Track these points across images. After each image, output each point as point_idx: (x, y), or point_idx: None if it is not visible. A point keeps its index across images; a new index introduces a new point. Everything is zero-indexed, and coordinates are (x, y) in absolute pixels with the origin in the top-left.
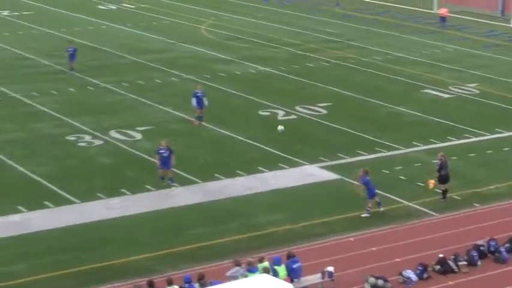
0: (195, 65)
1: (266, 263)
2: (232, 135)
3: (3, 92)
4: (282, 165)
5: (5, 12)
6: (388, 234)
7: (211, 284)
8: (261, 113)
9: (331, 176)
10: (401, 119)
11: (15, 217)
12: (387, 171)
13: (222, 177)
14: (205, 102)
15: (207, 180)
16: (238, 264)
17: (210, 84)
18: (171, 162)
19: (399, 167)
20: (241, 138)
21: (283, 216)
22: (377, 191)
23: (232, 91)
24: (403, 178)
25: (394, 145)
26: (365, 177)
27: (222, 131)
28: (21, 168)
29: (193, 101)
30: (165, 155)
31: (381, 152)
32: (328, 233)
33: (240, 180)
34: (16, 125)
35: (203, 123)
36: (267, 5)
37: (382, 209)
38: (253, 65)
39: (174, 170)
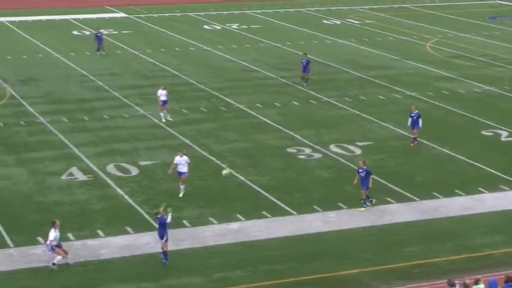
0: (418, 82)
1: (482, 286)
2: (453, 154)
3: (230, 102)
4: (502, 186)
5: (234, 26)
6: None
7: None
8: (483, 132)
9: None
10: None
11: (234, 225)
12: None
13: (440, 196)
14: (420, 124)
15: (424, 198)
16: (452, 285)
17: (433, 102)
18: (367, 183)
19: None
20: (461, 157)
21: (501, 238)
22: None
23: (455, 109)
24: None
25: None
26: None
27: (442, 149)
28: (241, 178)
29: (409, 121)
30: (363, 175)
31: None
32: None
33: (458, 200)
34: (239, 135)
35: (417, 140)
36: (495, 23)
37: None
38: (478, 84)
39: (391, 186)
